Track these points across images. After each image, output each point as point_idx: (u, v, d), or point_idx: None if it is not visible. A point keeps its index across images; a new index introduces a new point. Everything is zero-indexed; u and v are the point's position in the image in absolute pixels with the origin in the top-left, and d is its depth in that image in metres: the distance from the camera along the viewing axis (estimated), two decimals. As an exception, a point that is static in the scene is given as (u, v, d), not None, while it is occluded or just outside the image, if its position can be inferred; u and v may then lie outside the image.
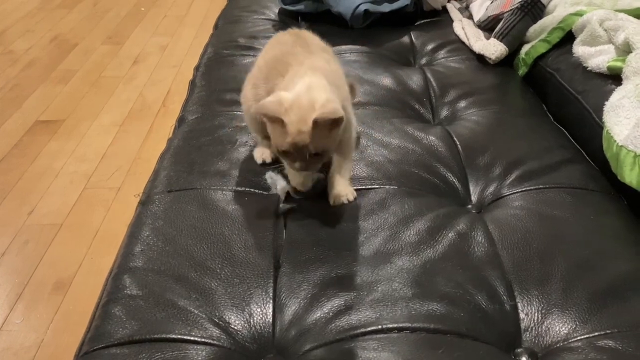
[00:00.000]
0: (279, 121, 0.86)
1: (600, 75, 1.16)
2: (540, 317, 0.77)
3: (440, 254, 0.85)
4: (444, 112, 1.28)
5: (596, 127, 1.07)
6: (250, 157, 1.07)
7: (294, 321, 0.77)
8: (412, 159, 1.07)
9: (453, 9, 1.74)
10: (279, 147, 0.89)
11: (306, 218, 0.94)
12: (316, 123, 0.84)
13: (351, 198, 0.96)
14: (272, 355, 0.75)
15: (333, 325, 0.75)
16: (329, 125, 0.86)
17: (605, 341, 0.72)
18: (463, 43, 1.54)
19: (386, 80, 1.35)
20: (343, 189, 0.96)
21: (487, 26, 1.56)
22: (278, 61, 1.00)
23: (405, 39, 1.61)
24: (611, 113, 1.02)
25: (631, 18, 1.20)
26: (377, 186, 1.00)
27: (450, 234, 0.89)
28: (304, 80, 0.90)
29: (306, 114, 0.85)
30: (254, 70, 1.07)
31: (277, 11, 1.78)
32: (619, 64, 1.10)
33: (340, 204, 0.96)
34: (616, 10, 1.25)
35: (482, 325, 0.76)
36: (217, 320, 0.76)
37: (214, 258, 0.85)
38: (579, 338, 0.74)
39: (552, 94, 1.28)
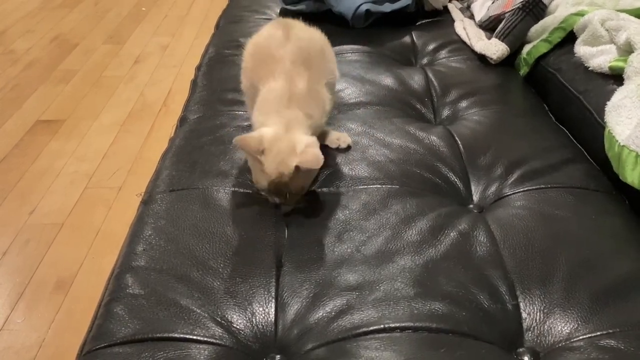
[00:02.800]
0: (258, 160, 0.90)
1: (601, 75, 1.16)
2: (542, 317, 0.77)
3: (442, 254, 0.85)
4: (446, 112, 1.28)
5: (598, 127, 1.07)
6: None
7: (296, 320, 0.77)
8: (413, 159, 1.07)
9: (454, 9, 1.74)
10: (258, 185, 0.94)
11: (308, 217, 0.94)
12: (297, 168, 0.89)
13: (349, 140, 1.09)
14: (275, 355, 0.75)
15: (335, 324, 0.75)
16: (309, 170, 0.91)
17: (607, 340, 0.72)
18: (464, 43, 1.54)
19: (387, 80, 1.35)
20: (336, 134, 1.09)
21: (489, 26, 1.56)
22: (262, 60, 1.04)
23: (407, 38, 1.61)
24: (613, 113, 1.02)
25: (633, 18, 1.20)
26: (379, 185, 1.00)
27: (452, 234, 0.89)
28: (282, 116, 0.94)
29: (286, 158, 0.89)
30: (244, 55, 1.10)
31: (278, 11, 1.78)
32: (620, 63, 1.10)
33: (337, 146, 1.08)
34: (618, 10, 1.25)
35: (484, 325, 0.76)
36: (219, 320, 0.76)
37: (216, 257, 0.85)
38: (580, 337, 0.74)
39: (554, 93, 1.28)
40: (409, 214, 0.93)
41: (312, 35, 1.10)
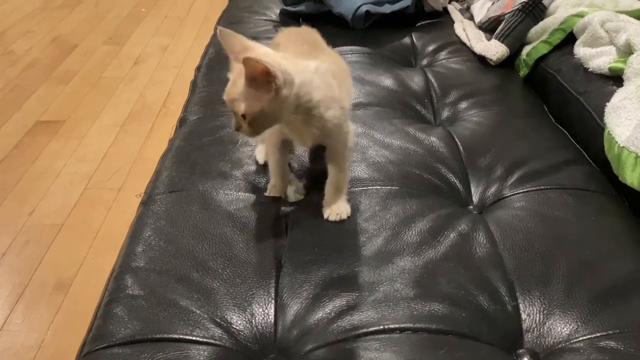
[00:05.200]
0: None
1: (601, 76, 1.16)
2: (542, 318, 0.77)
3: (442, 255, 0.85)
4: (445, 113, 1.28)
5: (597, 128, 1.07)
6: (252, 157, 1.07)
7: (296, 321, 0.77)
8: (413, 160, 1.07)
9: (454, 10, 1.74)
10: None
11: (308, 219, 0.94)
12: (247, 76, 0.78)
13: (344, 216, 0.93)
14: (274, 356, 0.75)
15: (335, 325, 0.75)
16: (260, 81, 0.78)
17: (607, 342, 0.72)
18: (464, 44, 1.55)
19: (387, 81, 1.35)
20: (336, 207, 0.94)
21: (488, 27, 1.57)
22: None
23: (407, 40, 1.61)
24: (612, 114, 1.02)
25: (632, 19, 1.20)
26: (379, 187, 1.00)
27: (451, 235, 0.89)
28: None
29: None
30: None
31: (278, 12, 1.78)
32: (620, 65, 1.10)
33: (333, 221, 0.93)
34: (617, 12, 1.25)
35: (484, 326, 0.76)
36: (218, 321, 0.76)
37: (215, 258, 0.85)
38: (580, 339, 0.74)
39: (553, 95, 1.29)
40: (409, 215, 0.93)
41: (341, 59, 1.05)
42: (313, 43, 0.99)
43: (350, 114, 0.98)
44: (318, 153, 1.00)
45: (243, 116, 0.81)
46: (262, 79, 0.79)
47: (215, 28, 1.78)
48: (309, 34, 1.05)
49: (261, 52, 0.84)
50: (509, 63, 1.44)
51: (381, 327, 0.74)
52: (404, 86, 1.34)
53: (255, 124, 0.82)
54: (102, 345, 0.74)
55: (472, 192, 1.04)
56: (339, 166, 0.94)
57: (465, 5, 1.77)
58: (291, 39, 0.99)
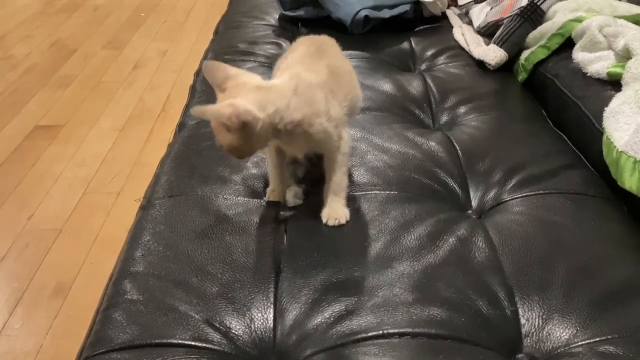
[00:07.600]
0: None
1: (599, 81, 1.16)
2: (541, 323, 0.77)
3: (441, 259, 0.85)
4: (444, 118, 1.29)
5: (596, 133, 1.07)
6: (251, 162, 1.07)
7: (295, 326, 0.77)
8: (412, 165, 1.07)
9: (453, 15, 1.75)
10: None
11: (307, 223, 0.94)
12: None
13: (343, 221, 0.93)
14: (273, 361, 0.75)
15: (334, 330, 0.75)
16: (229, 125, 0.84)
17: (606, 346, 0.72)
18: (463, 49, 1.55)
19: (386, 86, 1.35)
20: (335, 212, 0.94)
21: (487, 32, 1.57)
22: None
23: (405, 44, 1.61)
24: (611, 119, 1.02)
25: (630, 24, 1.20)
26: (378, 191, 1.00)
27: (450, 239, 0.89)
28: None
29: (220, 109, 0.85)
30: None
31: (277, 17, 1.78)
32: (618, 70, 1.11)
33: (332, 225, 0.93)
34: (615, 17, 1.26)
35: (483, 331, 0.76)
36: (217, 325, 0.76)
37: (214, 263, 0.85)
38: (579, 343, 0.73)
39: (552, 99, 1.29)
40: (408, 220, 0.93)
41: (343, 59, 1.06)
42: (316, 53, 0.99)
43: (347, 118, 0.98)
44: (317, 157, 1.00)
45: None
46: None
47: (215, 33, 1.79)
48: (320, 42, 1.05)
49: (240, 81, 0.88)
50: (507, 68, 1.44)
51: (380, 332, 0.74)
52: (403, 91, 1.35)
53: (233, 153, 0.88)
54: (101, 351, 0.74)
55: (471, 196, 1.04)
56: (335, 171, 0.95)
57: (463, 10, 1.77)
58: (303, 46, 1.02)
